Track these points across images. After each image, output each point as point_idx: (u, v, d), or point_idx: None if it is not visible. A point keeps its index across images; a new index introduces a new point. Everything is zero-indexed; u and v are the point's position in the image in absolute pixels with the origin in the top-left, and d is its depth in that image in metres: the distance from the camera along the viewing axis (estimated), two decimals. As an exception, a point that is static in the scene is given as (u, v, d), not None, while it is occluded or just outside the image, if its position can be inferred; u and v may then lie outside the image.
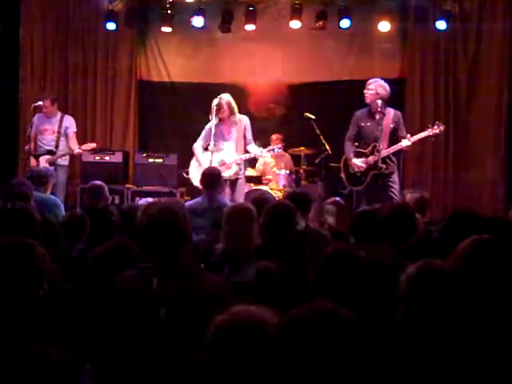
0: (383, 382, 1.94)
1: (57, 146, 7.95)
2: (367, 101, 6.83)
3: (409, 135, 6.86)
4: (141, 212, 2.83)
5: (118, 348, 2.67)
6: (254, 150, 7.22)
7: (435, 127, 6.88)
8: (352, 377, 1.44)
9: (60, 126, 7.93)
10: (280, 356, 1.46)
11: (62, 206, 5.77)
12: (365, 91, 6.86)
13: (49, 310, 2.23)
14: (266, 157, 7.35)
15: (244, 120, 7.24)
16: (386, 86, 6.88)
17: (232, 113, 7.11)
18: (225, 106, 7.05)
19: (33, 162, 7.79)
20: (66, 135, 8.03)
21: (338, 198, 5.60)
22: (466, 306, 2.17)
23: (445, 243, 3.81)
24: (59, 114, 8.11)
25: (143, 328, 2.63)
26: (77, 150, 7.99)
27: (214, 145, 7.09)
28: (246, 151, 7.24)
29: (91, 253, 3.15)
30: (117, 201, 8.46)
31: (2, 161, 8.85)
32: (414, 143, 6.96)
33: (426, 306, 2.10)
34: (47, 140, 7.96)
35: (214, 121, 7.07)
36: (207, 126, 7.22)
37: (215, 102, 7.05)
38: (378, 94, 6.81)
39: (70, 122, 8.12)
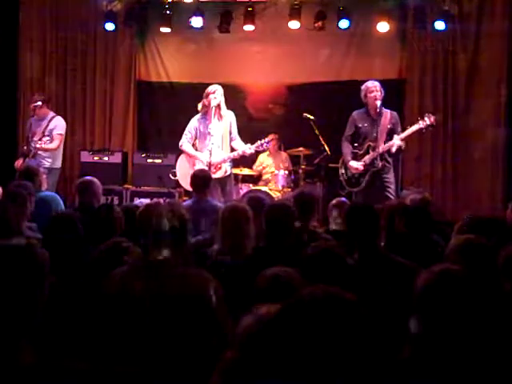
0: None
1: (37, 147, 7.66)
2: (380, 102, 6.82)
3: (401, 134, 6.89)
4: (143, 213, 2.89)
5: (111, 346, 2.67)
6: (241, 146, 7.15)
7: (425, 119, 6.90)
8: (356, 360, 1.44)
9: (46, 128, 7.74)
10: (284, 339, 1.45)
11: (62, 203, 5.75)
12: (374, 94, 6.86)
13: (50, 310, 2.23)
14: (252, 152, 7.25)
15: (230, 115, 7.18)
16: None
17: (222, 104, 7.08)
18: (218, 94, 7.01)
19: (18, 162, 7.61)
20: (51, 136, 7.75)
21: (343, 199, 5.57)
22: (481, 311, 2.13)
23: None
24: (50, 116, 7.88)
25: (134, 326, 2.64)
26: (40, 148, 7.66)
27: (200, 143, 7.10)
28: (232, 147, 7.19)
29: (92, 252, 3.15)
30: (116, 201, 8.46)
31: (1, 162, 8.82)
32: (412, 142, 6.99)
33: (443, 313, 2.05)
34: (35, 142, 7.70)
35: (198, 115, 7.09)
36: (191, 123, 7.19)
37: (211, 87, 7.03)
38: (382, 94, 6.90)
39: (56, 124, 7.84)
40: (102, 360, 2.60)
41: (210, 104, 6.98)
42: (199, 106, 7.17)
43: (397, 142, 6.80)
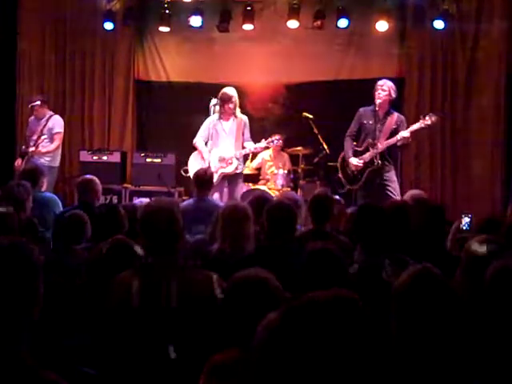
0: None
1: (37, 147, 7.64)
2: (379, 101, 6.82)
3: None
4: (140, 211, 2.90)
5: (117, 349, 2.67)
6: (252, 144, 7.30)
7: (427, 118, 6.88)
8: (359, 363, 1.43)
9: (44, 127, 7.72)
10: (288, 343, 1.44)
11: (60, 204, 5.75)
12: (378, 92, 6.85)
13: (46, 310, 2.22)
14: (263, 148, 7.41)
15: (244, 118, 7.33)
16: (395, 88, 6.98)
17: (235, 108, 7.21)
18: (234, 99, 7.16)
19: (18, 162, 7.65)
20: (50, 136, 7.77)
21: (337, 197, 5.60)
22: (464, 316, 2.08)
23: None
24: (48, 115, 7.87)
25: (141, 328, 2.64)
26: (45, 152, 7.70)
27: (213, 141, 7.17)
28: (243, 148, 7.29)
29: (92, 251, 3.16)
30: (115, 201, 8.45)
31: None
32: (410, 141, 7.00)
33: (421, 314, 1.99)
34: (34, 141, 7.72)
35: (215, 116, 7.24)
36: (207, 122, 7.31)
37: (229, 92, 7.15)
38: (390, 95, 6.88)
39: (54, 123, 7.85)
40: (106, 362, 2.60)
41: (226, 109, 7.14)
42: (214, 105, 7.28)
43: (405, 133, 6.76)
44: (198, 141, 7.33)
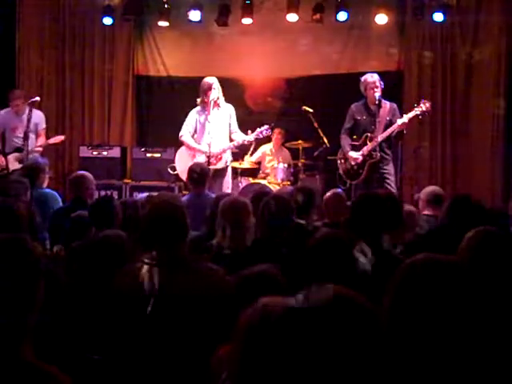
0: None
1: (42, 145, 7.59)
2: (378, 95, 6.83)
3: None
4: (143, 205, 2.92)
5: (122, 340, 2.69)
6: (241, 137, 7.16)
7: (421, 105, 6.90)
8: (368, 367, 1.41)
9: (29, 122, 7.35)
10: (292, 340, 1.43)
11: (60, 200, 5.75)
12: (374, 90, 6.86)
13: (48, 306, 2.22)
14: (252, 141, 7.32)
15: (229, 108, 7.18)
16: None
17: (218, 97, 7.06)
18: (216, 87, 7.02)
19: (0, 160, 7.48)
20: (36, 132, 7.64)
21: (339, 190, 5.59)
22: (472, 302, 1.99)
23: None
24: (27, 110, 7.48)
25: (146, 320, 2.65)
26: (38, 146, 7.57)
27: (199, 134, 7.10)
28: (231, 140, 7.19)
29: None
30: (115, 196, 8.46)
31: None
32: (410, 134, 7.02)
33: (423, 301, 1.77)
34: (19, 138, 7.56)
35: (197, 108, 7.11)
36: (191, 115, 7.18)
37: (209, 81, 7.02)
38: (381, 87, 6.92)
39: (39, 119, 7.69)
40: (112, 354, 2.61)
41: (209, 98, 6.96)
42: (198, 101, 7.18)
43: (403, 120, 6.76)
44: (185, 135, 7.18)
